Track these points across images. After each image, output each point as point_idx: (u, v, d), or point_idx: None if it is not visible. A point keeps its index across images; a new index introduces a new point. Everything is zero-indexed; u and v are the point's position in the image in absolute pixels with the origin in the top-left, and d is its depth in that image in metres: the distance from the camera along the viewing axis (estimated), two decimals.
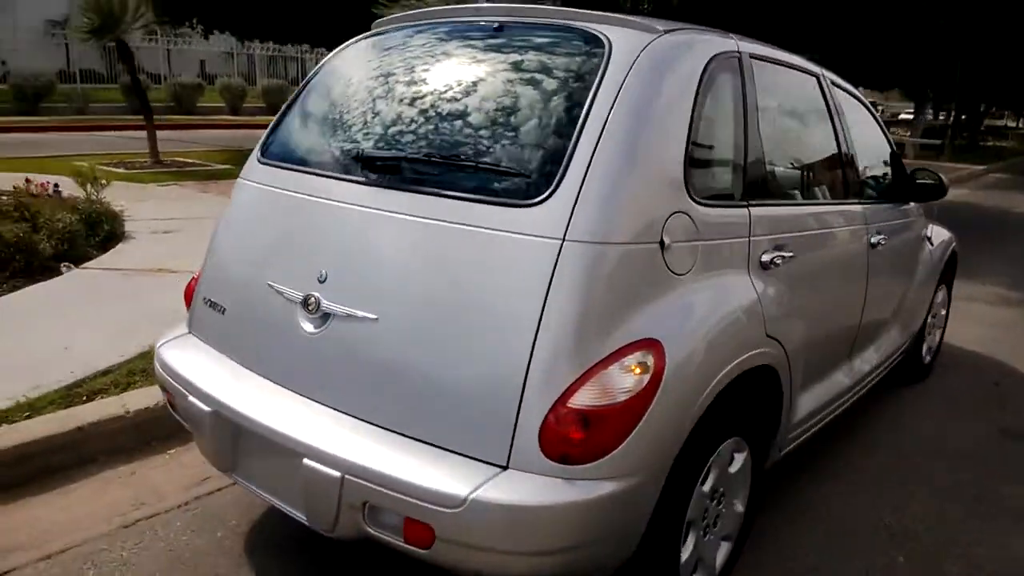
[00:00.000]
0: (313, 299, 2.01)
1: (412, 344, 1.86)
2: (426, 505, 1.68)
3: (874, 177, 3.29)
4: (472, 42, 2.22)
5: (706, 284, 1.98)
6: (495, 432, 1.72)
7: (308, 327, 2.02)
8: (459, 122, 2.02)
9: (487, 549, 1.68)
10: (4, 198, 5.68)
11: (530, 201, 1.80)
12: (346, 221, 2.05)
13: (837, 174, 2.85)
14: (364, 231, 2.02)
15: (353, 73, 2.41)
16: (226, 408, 2.04)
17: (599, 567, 1.85)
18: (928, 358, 4.29)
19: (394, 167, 2.04)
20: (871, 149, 3.28)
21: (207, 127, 17.41)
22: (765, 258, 2.21)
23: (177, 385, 2.22)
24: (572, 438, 1.68)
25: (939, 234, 4.10)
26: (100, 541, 2.45)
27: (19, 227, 4.90)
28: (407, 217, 1.94)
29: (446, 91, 2.10)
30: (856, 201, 2.92)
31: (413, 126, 2.10)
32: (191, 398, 2.14)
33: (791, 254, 2.34)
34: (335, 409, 1.95)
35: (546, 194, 1.79)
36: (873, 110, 3.42)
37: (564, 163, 1.81)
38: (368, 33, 2.56)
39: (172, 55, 23.69)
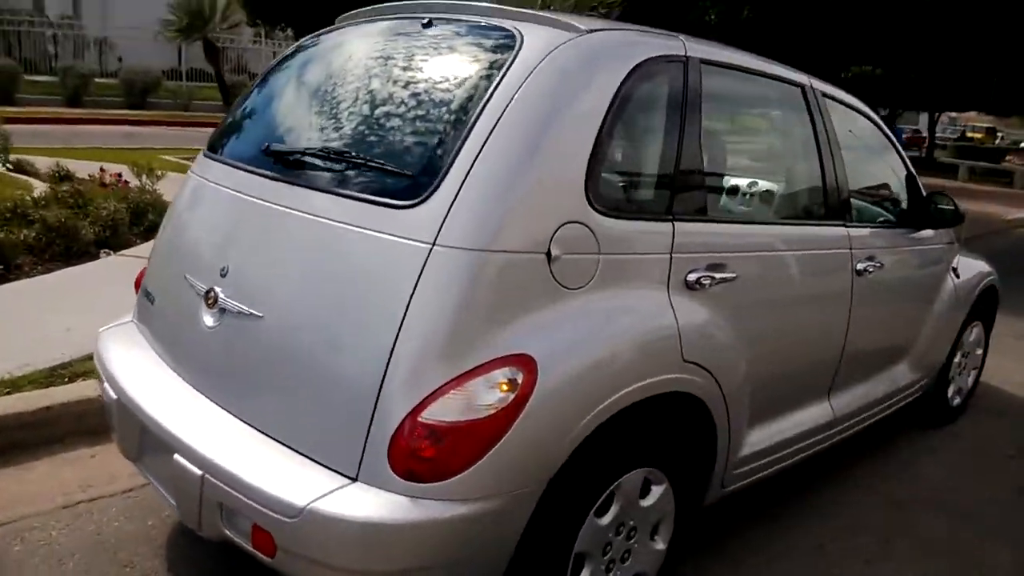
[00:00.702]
0: (213, 293, 2.00)
1: (288, 344, 1.82)
2: (268, 512, 1.63)
3: (875, 199, 3.04)
4: (399, 39, 2.17)
5: (606, 301, 1.85)
6: (349, 442, 1.66)
7: (208, 321, 2.01)
8: (360, 119, 1.97)
9: (323, 564, 1.62)
10: (65, 186, 6.00)
11: (408, 203, 1.73)
12: (251, 215, 2.03)
13: (815, 193, 2.63)
14: (264, 226, 1.99)
15: (293, 69, 2.40)
16: (126, 397, 2.05)
17: None
18: (957, 400, 3.93)
19: (296, 163, 2.01)
20: (875, 170, 3.03)
21: None
22: (692, 277, 2.04)
23: (99, 370, 2.26)
24: (420, 454, 1.60)
25: (971, 266, 3.75)
26: (37, 519, 2.51)
27: (63, 212, 5.16)
28: (300, 214, 1.91)
29: (356, 88, 2.06)
30: (840, 224, 2.68)
31: (320, 122, 2.08)
32: (105, 384, 2.18)
33: (732, 275, 2.16)
34: (220, 407, 1.93)
35: (424, 196, 1.71)
36: (884, 127, 3.14)
37: (447, 164, 1.73)
38: (324, 29, 2.55)
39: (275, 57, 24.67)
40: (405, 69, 2.02)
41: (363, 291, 1.73)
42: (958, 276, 3.57)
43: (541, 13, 1.99)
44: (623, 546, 2.05)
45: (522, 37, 1.90)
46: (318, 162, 1.97)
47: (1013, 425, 3.99)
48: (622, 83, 1.93)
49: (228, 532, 1.76)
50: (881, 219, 3.16)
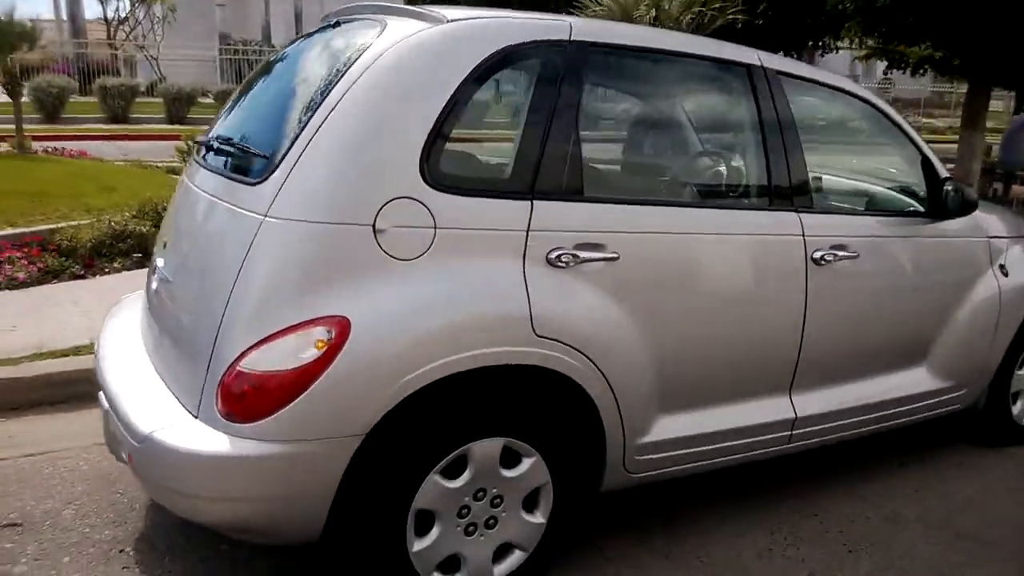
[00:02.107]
0: (155, 263, 2.36)
1: (179, 303, 2.14)
2: (128, 438, 1.94)
3: (865, 185, 2.79)
4: (315, 39, 2.41)
5: (441, 271, 1.95)
6: (194, 386, 1.93)
7: (153, 286, 2.38)
8: (255, 112, 2.25)
9: (158, 484, 1.90)
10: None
11: (256, 180, 1.96)
12: (185, 197, 2.38)
13: (749, 177, 2.50)
14: (187, 205, 2.33)
15: (256, 73, 2.72)
16: (100, 350, 2.47)
17: (275, 529, 1.93)
18: None
19: (208, 149, 2.32)
20: (867, 155, 2.79)
21: None
22: (554, 255, 2.08)
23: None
24: (237, 397, 1.82)
25: None
26: (69, 452, 3.03)
27: (144, 224, 5.44)
28: (201, 192, 2.22)
29: (266, 86, 2.35)
30: (787, 208, 2.53)
31: (234, 117, 2.37)
32: (96, 347, 2.62)
33: (613, 255, 2.16)
34: (148, 357, 2.28)
35: (267, 174, 1.94)
36: (887, 111, 2.87)
37: (289, 144, 1.94)
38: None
39: None
40: (299, 66, 2.27)
41: (219, 256, 2.00)
42: (1006, 274, 3.15)
43: (417, 8, 2.14)
44: (487, 512, 2.12)
45: (383, 29, 2.07)
46: (219, 148, 2.27)
47: None
48: (475, 68, 2.03)
49: (122, 456, 2.09)
50: (874, 207, 2.90)
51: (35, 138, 9.81)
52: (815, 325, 2.59)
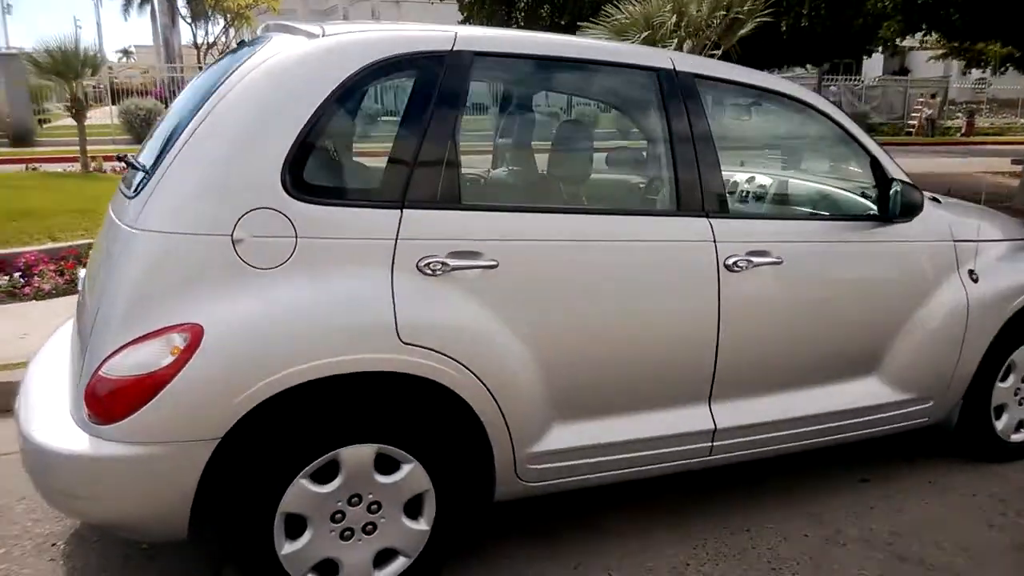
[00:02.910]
0: (79, 276, 2.51)
1: (81, 314, 2.28)
2: (19, 437, 2.07)
3: (804, 187, 2.66)
4: (223, 59, 2.51)
5: (303, 280, 2.00)
6: (76, 390, 2.04)
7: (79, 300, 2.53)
8: (157, 129, 2.35)
9: (38, 481, 2.02)
10: None
11: (135, 194, 2.08)
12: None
13: (649, 183, 2.43)
14: (105, 221, 2.46)
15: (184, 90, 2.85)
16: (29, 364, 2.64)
17: (143, 527, 2.03)
18: (1016, 437, 3.23)
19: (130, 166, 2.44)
20: (801, 157, 2.67)
21: None
22: (424, 263, 2.09)
23: None
24: (98, 400, 1.92)
25: (1015, 268, 3.06)
26: None
27: None
28: (109, 209, 2.34)
29: (173, 104, 2.45)
30: (696, 214, 2.45)
31: (151, 134, 2.48)
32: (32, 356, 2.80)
33: (492, 263, 2.16)
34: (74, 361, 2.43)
35: (142, 187, 2.05)
36: (831, 114, 2.74)
37: (163, 158, 2.04)
38: None
39: None
40: (196, 86, 2.37)
41: (103, 268, 2.11)
42: (976, 280, 2.95)
43: (300, 25, 2.20)
44: (364, 518, 2.15)
45: (262, 46, 2.14)
46: (129, 166, 2.39)
47: None
48: (343, 82, 2.07)
49: None
50: (823, 211, 2.76)
51: (119, 158, 10.46)
52: (733, 333, 2.50)
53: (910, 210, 2.71)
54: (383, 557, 2.22)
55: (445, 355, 2.11)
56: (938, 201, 3.32)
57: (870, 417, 2.86)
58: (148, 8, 32.98)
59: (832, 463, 3.17)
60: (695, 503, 2.86)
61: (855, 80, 26.22)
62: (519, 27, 13.31)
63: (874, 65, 28.16)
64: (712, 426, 2.55)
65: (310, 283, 2.02)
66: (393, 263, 2.08)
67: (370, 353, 2.04)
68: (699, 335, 2.47)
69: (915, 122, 24.48)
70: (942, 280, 2.90)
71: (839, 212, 2.88)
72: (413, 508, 2.22)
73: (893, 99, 26.32)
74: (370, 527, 2.17)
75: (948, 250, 2.92)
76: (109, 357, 1.92)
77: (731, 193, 3.45)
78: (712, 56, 7.57)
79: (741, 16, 6.91)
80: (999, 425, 3.17)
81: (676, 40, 6.68)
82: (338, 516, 2.13)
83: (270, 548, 2.07)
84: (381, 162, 2.13)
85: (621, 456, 2.46)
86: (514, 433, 2.26)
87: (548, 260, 2.26)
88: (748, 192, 3.21)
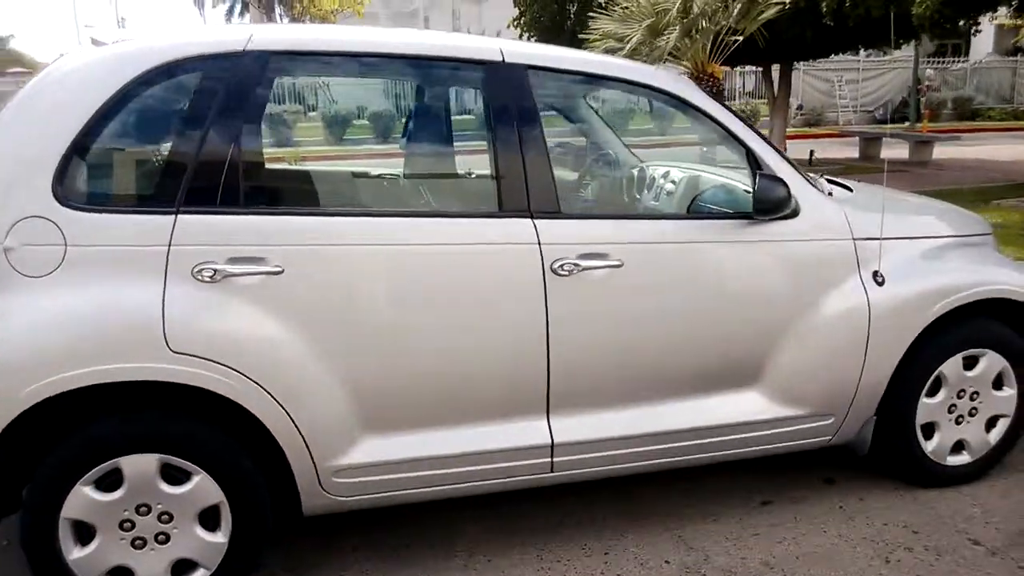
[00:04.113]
0: None
1: None
2: None
3: (674, 183, 2.45)
4: None
5: (72, 289, 2.00)
6: None
7: None
8: None
9: None
10: None
11: None
12: None
13: (471, 181, 2.28)
14: None
15: None
16: None
17: None
18: (960, 459, 2.89)
19: None
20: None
21: None
22: (198, 269, 2.05)
23: None
24: None
25: (937, 270, 2.71)
26: None
27: None
28: None
29: None
30: (518, 214, 2.29)
31: None
32: None
33: (276, 269, 2.09)
34: None
35: None
36: (695, 100, 2.51)
37: None
38: None
39: None
40: None
41: None
42: (882, 283, 2.63)
43: (103, 38, 2.21)
44: (156, 527, 2.14)
45: (57, 60, 2.16)
46: None
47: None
48: (120, 89, 2.06)
49: None
50: (696, 208, 2.54)
51: None
52: (566, 343, 2.34)
53: (773, 207, 2.45)
54: (182, 568, 2.20)
55: (221, 364, 2.07)
56: (849, 191, 3.01)
57: (754, 433, 2.61)
58: (247, 15, 34.62)
59: (740, 481, 2.93)
60: (577, 517, 2.71)
61: (954, 62, 24.44)
62: (570, 19, 13.06)
63: (983, 45, 26.15)
64: (549, 440, 2.40)
65: (77, 291, 2.01)
66: (167, 270, 2.05)
67: (136, 362, 2.02)
68: (525, 345, 2.32)
69: None
70: (836, 283, 2.61)
71: (713, 209, 2.63)
72: (212, 519, 2.19)
73: (1002, 80, 24.38)
74: (163, 537, 2.15)
75: (844, 249, 2.62)
76: None
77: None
78: (733, 43, 7.21)
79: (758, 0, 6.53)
80: (929, 446, 2.83)
81: (679, 28, 6.37)
82: (127, 525, 2.12)
83: (56, 553, 2.08)
84: (138, 168, 2.11)
85: (446, 471, 2.34)
86: (312, 446, 2.19)
87: (342, 266, 2.17)
88: (592, 191, 3.01)
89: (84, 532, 2.11)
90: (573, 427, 2.43)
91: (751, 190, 2.51)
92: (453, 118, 2.52)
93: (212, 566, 2.21)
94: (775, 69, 13.70)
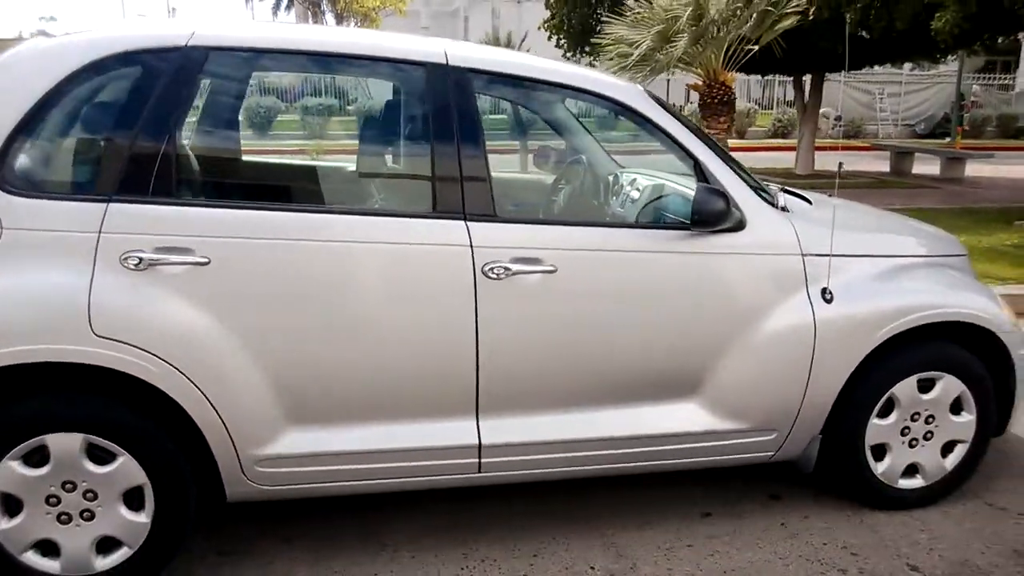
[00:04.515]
0: None
1: None
2: None
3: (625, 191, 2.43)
4: None
5: (6, 271, 2.06)
6: None
7: None
8: None
9: None
10: None
11: None
12: None
13: (406, 181, 2.29)
14: None
15: None
16: None
17: None
18: (913, 482, 2.83)
19: None
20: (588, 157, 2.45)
21: None
22: (126, 257, 2.11)
23: None
24: None
25: (893, 291, 2.65)
26: None
27: None
28: None
29: None
30: (451, 215, 2.30)
31: None
32: None
33: (203, 260, 2.14)
34: None
35: None
36: (641, 108, 2.50)
37: None
38: None
39: None
40: None
41: None
42: (830, 300, 2.58)
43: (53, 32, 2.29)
44: (81, 504, 2.20)
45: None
46: None
47: (974, 533, 2.69)
48: (61, 80, 2.12)
49: None
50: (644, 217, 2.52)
51: None
52: (496, 345, 2.35)
53: (710, 219, 2.42)
54: (107, 545, 2.26)
55: (144, 350, 2.12)
56: (809, 203, 2.96)
57: (692, 445, 2.59)
58: (292, 10, 35.18)
59: (686, 492, 2.91)
60: (503, 517, 2.72)
61: (1002, 79, 23.80)
62: (599, 24, 12.97)
63: None
64: (477, 441, 2.41)
65: (10, 274, 2.08)
66: (96, 256, 2.11)
67: (59, 344, 2.08)
68: (453, 346, 2.33)
69: None
70: (782, 298, 2.57)
71: (663, 218, 2.62)
72: (137, 500, 2.25)
73: None
74: (88, 514, 2.21)
75: (792, 265, 2.58)
76: None
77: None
78: (748, 52, 7.10)
79: (771, 9, 6.41)
80: (879, 468, 2.78)
81: (688, 35, 6.30)
82: (53, 500, 2.18)
83: None
84: (73, 157, 2.17)
85: (372, 466, 2.37)
86: (234, 434, 2.23)
87: (270, 259, 2.20)
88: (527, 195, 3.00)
89: (12, 505, 2.18)
90: (502, 429, 2.43)
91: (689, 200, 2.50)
92: (395, 118, 2.55)
93: (135, 544, 2.26)
94: (807, 80, 13.48)
